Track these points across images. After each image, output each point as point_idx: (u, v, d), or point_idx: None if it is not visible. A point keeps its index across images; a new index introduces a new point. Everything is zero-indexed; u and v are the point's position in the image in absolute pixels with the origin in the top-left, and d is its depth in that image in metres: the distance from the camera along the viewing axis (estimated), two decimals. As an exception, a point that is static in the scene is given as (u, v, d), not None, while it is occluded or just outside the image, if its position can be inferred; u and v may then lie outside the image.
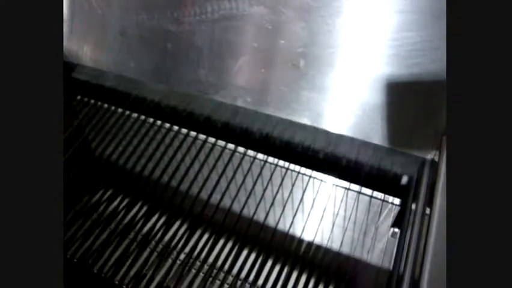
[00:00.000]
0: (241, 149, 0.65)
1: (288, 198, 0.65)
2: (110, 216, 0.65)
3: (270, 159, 0.64)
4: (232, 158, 0.65)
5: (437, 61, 0.48)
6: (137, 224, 0.63)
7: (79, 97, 0.71)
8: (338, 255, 0.73)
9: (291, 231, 0.74)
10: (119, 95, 0.70)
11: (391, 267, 0.65)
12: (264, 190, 0.65)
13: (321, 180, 0.63)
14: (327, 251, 0.74)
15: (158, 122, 0.68)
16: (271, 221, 0.73)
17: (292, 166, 0.64)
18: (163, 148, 0.67)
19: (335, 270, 0.70)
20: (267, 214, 0.68)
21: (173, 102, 0.68)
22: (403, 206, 0.61)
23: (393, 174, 0.60)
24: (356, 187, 0.62)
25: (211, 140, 0.66)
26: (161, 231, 0.63)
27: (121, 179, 0.75)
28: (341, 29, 0.51)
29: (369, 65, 0.51)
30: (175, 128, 0.67)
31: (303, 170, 0.63)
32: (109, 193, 0.72)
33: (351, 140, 0.57)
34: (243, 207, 0.67)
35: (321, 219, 0.68)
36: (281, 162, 0.64)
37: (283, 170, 0.64)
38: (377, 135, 0.55)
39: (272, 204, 0.65)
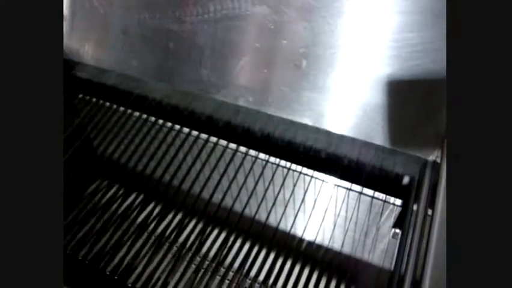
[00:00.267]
0: (242, 149, 0.65)
1: (289, 198, 0.65)
2: (110, 211, 0.65)
3: (272, 159, 0.64)
4: (233, 158, 0.65)
5: (438, 62, 0.48)
6: (135, 216, 0.64)
7: (80, 95, 0.71)
8: (339, 254, 0.73)
9: (292, 231, 0.74)
10: (121, 93, 0.70)
11: (392, 267, 0.65)
12: (266, 190, 0.66)
13: (323, 181, 0.63)
14: (328, 250, 0.74)
15: (160, 121, 0.68)
16: (272, 221, 0.73)
17: (293, 166, 0.64)
18: (165, 147, 0.67)
19: (337, 267, 0.70)
20: (269, 214, 0.68)
21: (175, 101, 0.68)
22: (404, 207, 0.61)
23: (394, 175, 0.60)
24: (357, 187, 0.62)
25: (213, 139, 0.66)
26: (156, 222, 0.64)
27: (122, 176, 0.75)
28: (343, 30, 0.50)
29: (371, 66, 0.51)
30: (177, 127, 0.67)
31: (305, 170, 0.63)
32: (106, 187, 0.72)
33: (353, 141, 0.57)
34: (245, 206, 0.67)
35: (323, 220, 0.68)
36: (283, 162, 0.64)
37: (285, 170, 0.64)
38: (378, 136, 0.55)
39: (274, 204, 0.65)
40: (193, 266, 0.62)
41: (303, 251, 0.73)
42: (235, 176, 0.66)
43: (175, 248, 0.65)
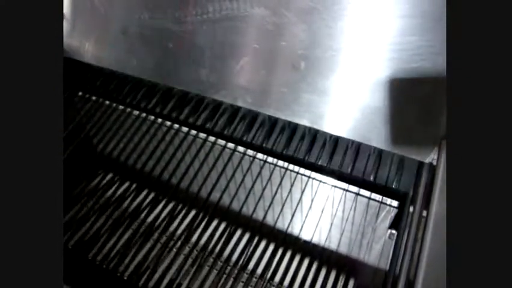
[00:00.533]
0: (241, 149, 0.66)
1: (286, 198, 0.66)
2: (108, 205, 0.66)
3: (270, 159, 0.65)
4: (232, 157, 0.66)
5: (438, 66, 0.48)
6: (136, 212, 0.64)
7: (80, 93, 0.71)
8: (335, 254, 0.74)
9: (289, 230, 0.75)
10: (120, 92, 0.70)
11: (387, 268, 0.65)
12: (263, 189, 0.66)
13: (320, 181, 0.63)
14: (324, 250, 0.75)
15: (159, 120, 0.68)
16: (270, 219, 0.74)
17: (291, 166, 0.64)
18: (164, 146, 0.67)
19: (335, 262, 0.71)
20: (266, 212, 0.69)
21: (174, 100, 0.68)
22: (401, 209, 0.61)
23: (391, 177, 0.60)
24: (354, 189, 0.62)
25: (211, 139, 0.66)
26: (151, 214, 0.65)
27: (121, 174, 0.76)
28: (342, 32, 0.51)
29: (370, 69, 0.51)
30: (176, 126, 0.68)
31: (302, 170, 0.64)
32: (106, 184, 0.72)
33: (351, 142, 0.58)
34: (242, 205, 0.68)
35: (319, 220, 0.68)
36: (280, 163, 0.64)
37: (283, 170, 0.64)
38: (376, 138, 0.55)
39: (271, 203, 0.65)
40: (191, 260, 0.63)
41: (299, 247, 0.74)
42: (233, 175, 0.66)
43: (170, 241, 0.65)
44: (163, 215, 0.66)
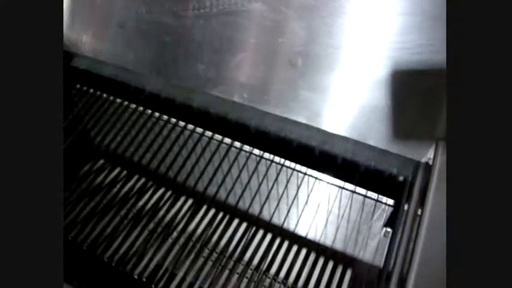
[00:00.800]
0: (237, 144, 0.65)
1: (282, 194, 0.66)
2: (107, 197, 0.66)
3: (266, 155, 0.65)
4: (228, 152, 0.66)
5: (437, 65, 0.47)
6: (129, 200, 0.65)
7: (78, 86, 0.71)
8: (331, 248, 0.74)
9: (285, 225, 0.75)
10: (118, 85, 0.70)
11: (382, 265, 0.66)
12: (260, 185, 0.66)
13: (316, 178, 0.63)
14: (320, 245, 0.75)
15: (156, 114, 0.68)
16: (265, 215, 0.74)
17: (287, 163, 0.64)
18: (161, 139, 0.67)
19: (331, 255, 0.72)
20: (262, 207, 0.69)
21: (171, 95, 0.68)
22: (396, 207, 0.61)
23: (387, 175, 0.60)
24: (350, 186, 0.62)
25: (208, 133, 0.66)
26: (154, 208, 0.65)
27: (119, 166, 0.76)
28: (341, 30, 0.50)
29: (368, 67, 0.51)
30: (173, 120, 0.67)
31: (298, 167, 0.64)
32: (102, 173, 0.73)
33: (347, 140, 0.57)
34: (238, 200, 0.68)
35: (315, 216, 0.68)
36: (277, 159, 0.64)
37: (279, 167, 0.64)
38: (373, 137, 0.55)
39: (267, 198, 0.65)
40: (188, 251, 0.64)
41: (295, 239, 0.74)
42: (229, 170, 0.66)
43: (164, 230, 0.66)
44: (166, 209, 0.66)
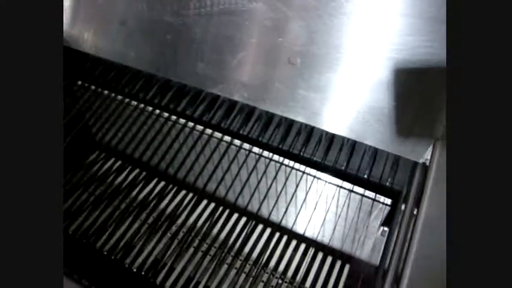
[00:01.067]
0: (237, 142, 0.66)
1: (281, 192, 0.67)
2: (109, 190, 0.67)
3: (265, 153, 0.65)
4: (228, 150, 0.66)
5: (436, 66, 0.48)
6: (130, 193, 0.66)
7: (79, 82, 0.71)
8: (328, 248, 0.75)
9: (283, 222, 0.76)
10: (119, 82, 0.70)
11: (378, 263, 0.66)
12: (259, 182, 0.67)
13: (314, 177, 0.64)
14: (318, 244, 0.76)
15: (157, 111, 0.69)
16: (264, 212, 0.75)
17: (286, 161, 0.64)
18: (161, 137, 0.68)
19: (330, 251, 0.73)
20: (261, 204, 0.69)
21: (172, 92, 0.68)
22: (393, 206, 0.62)
23: (385, 175, 0.61)
24: (348, 185, 0.62)
25: (208, 131, 0.67)
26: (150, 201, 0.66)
27: (120, 161, 0.77)
28: (340, 30, 0.50)
29: (367, 67, 0.51)
30: (173, 118, 0.68)
31: (297, 165, 0.64)
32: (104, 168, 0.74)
33: (346, 140, 0.58)
34: (238, 196, 0.69)
35: (312, 214, 0.69)
36: (276, 157, 0.65)
37: (278, 165, 0.65)
38: (371, 137, 0.55)
39: (266, 196, 0.66)
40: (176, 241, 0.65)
41: (293, 235, 0.75)
42: (229, 168, 0.67)
43: (160, 223, 0.67)
44: (166, 203, 0.67)
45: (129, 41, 0.61)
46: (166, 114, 0.68)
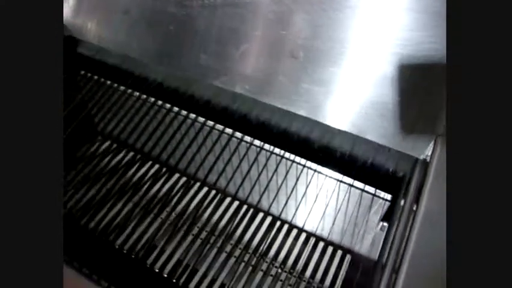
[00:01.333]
0: (238, 134, 0.66)
1: (281, 185, 0.67)
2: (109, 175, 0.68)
3: (266, 146, 0.65)
4: (229, 142, 0.66)
5: (439, 62, 0.47)
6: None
7: (82, 72, 0.72)
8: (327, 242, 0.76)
9: (282, 215, 0.76)
10: (122, 72, 0.70)
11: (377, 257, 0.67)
12: (259, 175, 0.67)
13: (315, 171, 0.64)
14: (317, 237, 0.76)
15: (159, 102, 0.69)
16: (264, 204, 0.75)
17: (287, 154, 0.64)
18: (163, 127, 0.68)
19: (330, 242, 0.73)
20: (261, 197, 0.70)
21: (174, 84, 0.68)
22: (393, 202, 0.62)
23: (386, 171, 0.61)
24: (348, 180, 0.63)
25: (210, 123, 0.67)
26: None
27: (124, 151, 0.77)
28: (343, 24, 0.50)
29: (370, 62, 0.51)
30: (175, 109, 0.68)
31: (298, 159, 0.64)
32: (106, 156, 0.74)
33: (347, 134, 0.58)
34: (238, 188, 0.69)
35: (312, 207, 0.69)
36: (277, 150, 0.65)
37: (278, 158, 0.65)
38: (372, 132, 0.55)
39: (266, 188, 0.66)
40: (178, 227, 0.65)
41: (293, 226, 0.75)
42: (229, 160, 0.67)
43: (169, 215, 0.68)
44: (165, 188, 0.68)
45: (132, 31, 0.61)
46: (168, 105, 0.68)
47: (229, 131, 0.66)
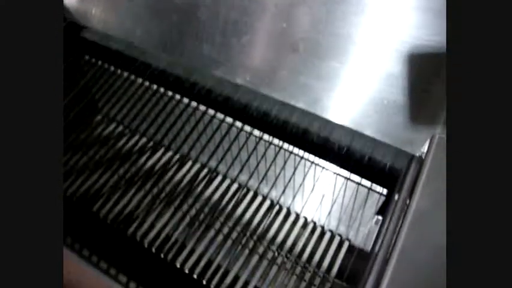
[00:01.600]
0: (238, 124, 0.67)
1: (279, 174, 0.68)
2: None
3: (266, 136, 0.66)
4: (229, 131, 0.67)
5: (439, 60, 0.47)
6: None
7: (86, 57, 0.73)
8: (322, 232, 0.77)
9: (280, 201, 0.78)
10: (125, 59, 0.71)
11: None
12: (258, 164, 0.68)
13: (312, 162, 0.65)
14: (314, 223, 0.78)
15: (162, 89, 0.70)
16: (263, 189, 0.77)
17: (285, 145, 0.65)
18: (165, 114, 0.69)
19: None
20: (259, 185, 0.71)
21: (176, 72, 0.69)
22: (388, 196, 0.62)
23: (382, 166, 0.61)
24: (345, 173, 0.63)
25: (211, 112, 0.68)
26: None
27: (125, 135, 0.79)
28: (343, 18, 0.50)
29: (370, 58, 0.51)
30: (177, 96, 0.69)
31: (296, 150, 0.65)
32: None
33: (345, 128, 0.58)
34: (237, 176, 0.70)
35: (308, 198, 0.70)
36: (276, 141, 0.66)
37: (277, 148, 0.66)
38: (369, 127, 0.56)
39: (264, 177, 0.67)
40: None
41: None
42: (229, 148, 0.68)
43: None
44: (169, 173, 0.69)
45: (136, 18, 0.61)
46: (170, 93, 0.69)
47: (229, 120, 0.67)
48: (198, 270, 0.67)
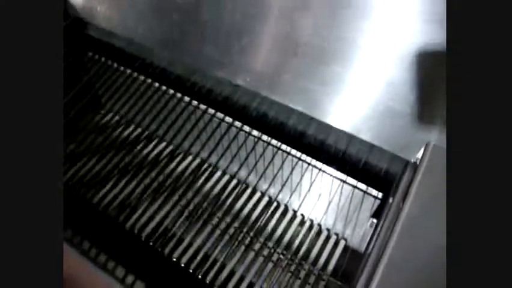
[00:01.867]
0: (238, 124, 0.68)
1: (276, 174, 0.69)
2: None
3: (264, 137, 0.67)
4: (228, 131, 0.68)
5: (438, 68, 0.48)
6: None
7: (90, 54, 0.73)
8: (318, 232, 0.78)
9: (278, 198, 0.79)
10: (128, 56, 0.72)
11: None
12: (256, 163, 0.69)
13: (309, 164, 0.66)
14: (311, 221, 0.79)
15: (163, 88, 0.71)
16: (261, 186, 0.78)
17: (283, 147, 0.66)
18: (167, 112, 0.70)
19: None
20: (256, 184, 0.72)
21: (178, 71, 0.70)
22: (383, 200, 0.63)
23: (378, 170, 0.62)
24: (341, 176, 0.64)
25: (211, 111, 0.69)
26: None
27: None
28: (345, 23, 0.50)
29: (369, 63, 0.51)
30: (178, 95, 0.70)
31: (293, 151, 0.66)
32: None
33: (342, 132, 0.59)
34: (235, 174, 0.71)
35: (305, 198, 0.71)
36: (274, 142, 0.67)
37: (275, 149, 0.67)
38: (366, 132, 0.56)
39: (261, 176, 0.68)
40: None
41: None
42: (229, 146, 0.69)
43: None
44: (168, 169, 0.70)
45: (138, 16, 0.62)
46: (171, 91, 0.70)
47: (229, 119, 0.68)
48: (194, 264, 0.68)
